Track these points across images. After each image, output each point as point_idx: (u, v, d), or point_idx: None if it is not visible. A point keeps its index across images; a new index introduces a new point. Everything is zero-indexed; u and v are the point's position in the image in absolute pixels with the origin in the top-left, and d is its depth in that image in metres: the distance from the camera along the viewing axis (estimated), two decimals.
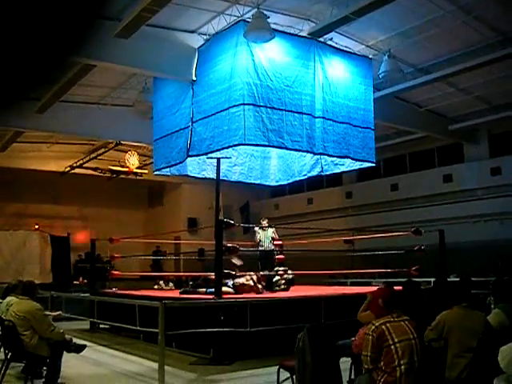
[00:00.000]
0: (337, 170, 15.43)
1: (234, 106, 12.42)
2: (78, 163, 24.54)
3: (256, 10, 12.12)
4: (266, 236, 14.51)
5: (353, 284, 17.72)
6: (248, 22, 12.22)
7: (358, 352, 5.83)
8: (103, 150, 23.22)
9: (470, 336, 5.39)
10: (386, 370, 4.67)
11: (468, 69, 14.98)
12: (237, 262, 12.66)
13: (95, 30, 12.07)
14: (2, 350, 8.09)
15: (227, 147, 12.79)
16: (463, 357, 5.32)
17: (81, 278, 23.36)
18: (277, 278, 13.52)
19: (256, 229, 14.65)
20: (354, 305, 7.26)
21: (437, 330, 5.55)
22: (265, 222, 14.73)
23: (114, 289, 15.92)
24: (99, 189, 26.61)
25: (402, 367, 4.62)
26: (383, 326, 4.76)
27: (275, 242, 14.79)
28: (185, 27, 13.76)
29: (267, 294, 12.36)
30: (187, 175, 15.91)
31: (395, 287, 5.65)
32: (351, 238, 17.84)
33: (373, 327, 4.79)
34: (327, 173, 15.46)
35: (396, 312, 4.95)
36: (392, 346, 4.67)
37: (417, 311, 5.74)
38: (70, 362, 8.12)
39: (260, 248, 14.33)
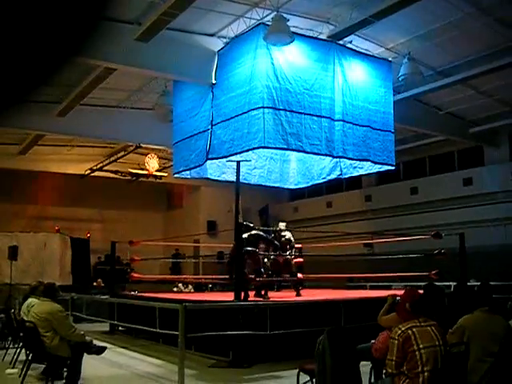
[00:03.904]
0: (356, 173, 15.39)
1: (254, 109, 12.40)
2: (98, 166, 24.66)
3: (276, 13, 12.14)
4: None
5: (372, 288, 17.62)
6: (268, 25, 12.22)
7: (379, 356, 5.81)
8: (123, 152, 23.34)
9: (492, 340, 5.34)
10: (408, 375, 4.62)
11: (488, 71, 14.85)
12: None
13: (115, 33, 12.13)
14: (24, 351, 8.17)
15: (247, 150, 12.79)
16: (485, 361, 5.28)
17: (99, 280, 23.46)
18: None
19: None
20: (373, 308, 7.23)
21: (457, 335, 5.49)
22: (281, 226, 14.69)
23: (133, 292, 15.97)
24: (119, 191, 26.68)
25: (425, 374, 4.56)
26: (409, 331, 4.68)
27: (296, 246, 14.77)
28: (204, 30, 13.82)
29: (287, 298, 12.31)
30: (207, 178, 15.92)
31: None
32: (371, 241, 17.77)
33: (399, 331, 4.71)
34: (346, 176, 15.42)
35: (422, 316, 4.87)
36: (417, 352, 4.60)
37: (438, 315, 5.69)
38: (90, 364, 8.17)
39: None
